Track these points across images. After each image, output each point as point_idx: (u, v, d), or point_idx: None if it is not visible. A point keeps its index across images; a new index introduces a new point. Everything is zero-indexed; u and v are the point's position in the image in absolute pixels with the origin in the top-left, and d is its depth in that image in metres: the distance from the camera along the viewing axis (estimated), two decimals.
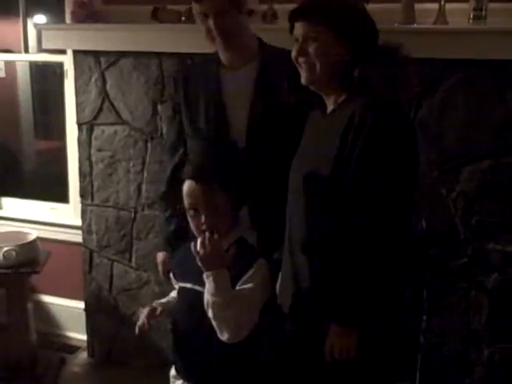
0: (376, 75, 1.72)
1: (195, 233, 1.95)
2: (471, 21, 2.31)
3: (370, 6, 2.40)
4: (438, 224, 2.53)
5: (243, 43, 2.16)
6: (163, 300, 2.20)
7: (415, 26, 2.40)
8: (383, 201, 1.68)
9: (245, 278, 1.90)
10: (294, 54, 1.81)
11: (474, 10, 2.29)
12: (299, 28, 1.79)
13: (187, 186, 1.92)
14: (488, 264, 2.50)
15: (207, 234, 1.83)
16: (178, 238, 2.38)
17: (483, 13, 2.28)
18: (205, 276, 1.84)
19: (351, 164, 1.69)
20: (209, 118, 2.20)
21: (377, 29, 1.82)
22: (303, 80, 1.82)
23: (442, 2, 2.35)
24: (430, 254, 2.52)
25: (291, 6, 2.48)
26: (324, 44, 1.74)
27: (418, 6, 2.41)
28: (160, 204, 2.54)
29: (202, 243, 1.83)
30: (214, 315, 1.84)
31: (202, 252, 1.82)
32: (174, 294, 2.20)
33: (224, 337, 1.84)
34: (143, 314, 2.07)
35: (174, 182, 2.34)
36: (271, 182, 2.09)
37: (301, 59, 1.79)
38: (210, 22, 2.07)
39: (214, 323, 1.85)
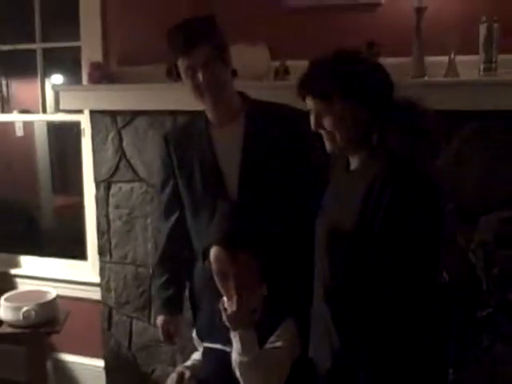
0: (395, 133, 1.69)
1: (222, 293, 1.96)
2: (482, 72, 2.32)
3: (381, 61, 2.45)
4: (459, 275, 2.49)
5: (229, 99, 2.18)
6: (188, 363, 2.18)
7: (426, 78, 2.42)
8: (406, 260, 1.65)
9: (272, 338, 1.92)
10: (312, 126, 1.79)
11: (484, 62, 2.31)
12: (310, 103, 1.76)
13: (215, 252, 1.93)
14: None
15: (235, 296, 1.87)
16: (175, 304, 2.36)
17: (493, 65, 2.30)
18: (232, 335, 1.87)
19: (374, 228, 1.66)
20: (204, 178, 2.20)
21: (392, 81, 1.77)
22: (327, 148, 1.80)
23: (452, 55, 2.38)
24: (453, 306, 2.48)
25: (303, 63, 2.54)
26: (338, 115, 1.71)
27: (428, 58, 2.44)
28: (156, 268, 2.47)
29: (230, 303, 1.88)
30: (241, 374, 1.86)
31: (229, 311, 1.87)
32: (196, 355, 2.17)
33: None
34: (172, 381, 2.06)
35: (172, 245, 2.36)
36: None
37: (320, 130, 1.77)
38: (199, 76, 2.08)
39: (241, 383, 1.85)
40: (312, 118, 1.78)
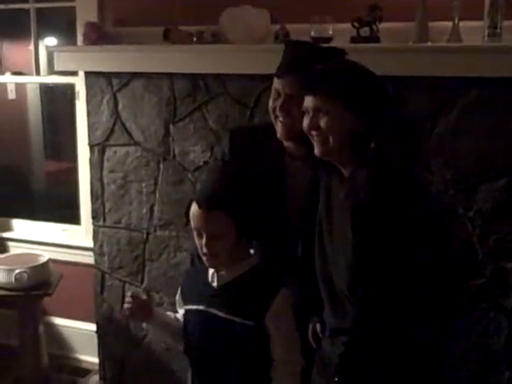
0: (390, 147, 1.70)
1: (199, 252, 1.97)
2: (486, 38, 2.29)
3: (383, 25, 2.43)
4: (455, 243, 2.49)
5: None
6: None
7: (429, 44, 2.39)
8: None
9: (269, 313, 1.90)
10: (305, 126, 1.75)
11: (489, 27, 2.27)
12: (309, 101, 1.72)
13: (192, 208, 1.94)
14: (507, 284, 2.46)
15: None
16: None
17: (498, 30, 2.26)
18: None
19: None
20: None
21: (389, 95, 1.77)
22: (316, 152, 1.75)
23: (456, 21, 2.34)
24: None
25: (303, 26, 2.51)
26: (336, 117, 1.68)
27: (431, 24, 2.40)
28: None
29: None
30: None
31: None
32: (173, 314, 2.17)
33: None
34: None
35: None
36: None
37: (313, 132, 1.73)
38: (278, 102, 1.97)
39: None
40: (307, 117, 1.74)
